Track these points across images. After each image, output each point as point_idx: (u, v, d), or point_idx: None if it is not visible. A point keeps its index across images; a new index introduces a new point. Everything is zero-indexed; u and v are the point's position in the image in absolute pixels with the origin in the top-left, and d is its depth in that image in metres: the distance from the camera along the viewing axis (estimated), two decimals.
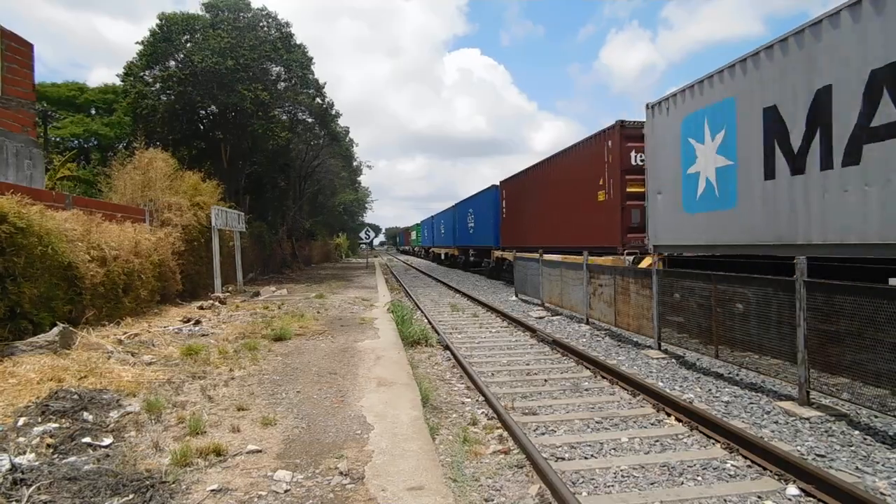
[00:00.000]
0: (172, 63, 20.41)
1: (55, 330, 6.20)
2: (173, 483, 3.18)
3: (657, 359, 7.55)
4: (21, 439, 3.62)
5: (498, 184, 22.35)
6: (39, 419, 4.00)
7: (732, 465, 4.06)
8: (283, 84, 22.68)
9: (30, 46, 10.11)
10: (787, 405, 5.33)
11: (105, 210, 10.28)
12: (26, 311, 6.47)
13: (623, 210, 11.59)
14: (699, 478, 3.88)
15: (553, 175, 15.83)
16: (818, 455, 4.23)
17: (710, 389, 6.09)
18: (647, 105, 9.77)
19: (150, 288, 10.03)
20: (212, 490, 3.12)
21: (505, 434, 4.73)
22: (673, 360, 7.46)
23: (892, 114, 5.28)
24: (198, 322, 9.14)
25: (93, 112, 26.76)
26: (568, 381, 6.64)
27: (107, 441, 3.80)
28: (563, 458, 4.27)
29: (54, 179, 17.58)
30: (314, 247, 40.27)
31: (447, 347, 8.45)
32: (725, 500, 3.54)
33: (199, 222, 13.47)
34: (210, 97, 19.99)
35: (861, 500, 3.27)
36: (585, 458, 4.28)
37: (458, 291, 18.24)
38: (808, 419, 4.96)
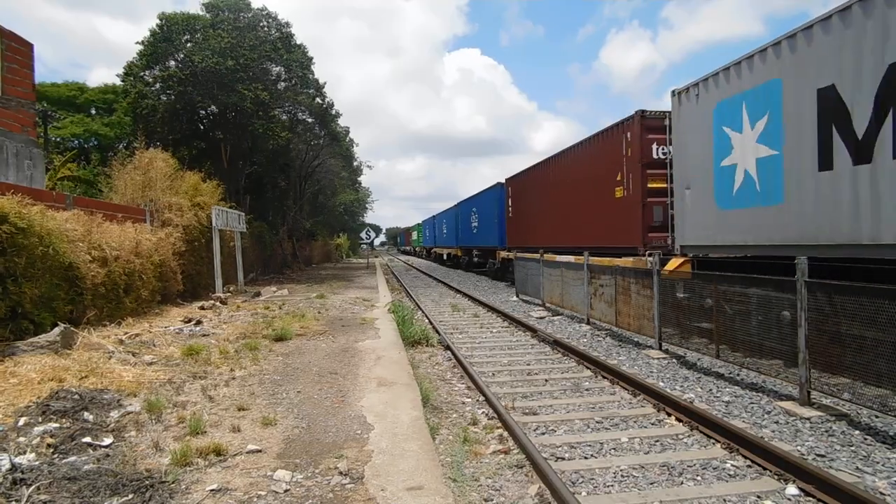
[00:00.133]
0: (172, 63, 20.42)
1: (56, 330, 6.20)
2: (173, 483, 3.18)
3: (658, 359, 7.55)
4: (21, 439, 3.63)
5: (503, 181, 21.62)
6: (40, 419, 4.01)
7: (732, 465, 4.05)
8: (283, 84, 22.69)
9: (30, 46, 10.12)
10: (787, 405, 5.33)
11: (106, 210, 10.29)
12: (27, 311, 6.48)
13: (644, 207, 10.74)
14: (699, 478, 3.88)
15: (564, 171, 14.94)
16: (818, 455, 4.22)
17: (710, 389, 6.09)
18: (673, 91, 8.99)
19: (151, 288, 10.04)
20: (211, 490, 3.12)
21: (505, 434, 4.73)
22: (674, 360, 7.46)
23: None
24: (199, 322, 9.14)
25: (93, 112, 26.80)
26: (568, 381, 6.64)
27: (107, 441, 3.81)
28: (563, 458, 4.27)
29: (54, 179, 17.60)
30: (315, 247, 40.29)
31: (448, 347, 8.45)
32: (725, 500, 3.54)
33: (199, 222, 13.48)
34: (210, 97, 20.00)
35: (861, 500, 3.26)
36: (585, 457, 4.28)
37: (458, 292, 18.25)
38: (808, 419, 4.96)
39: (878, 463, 4.07)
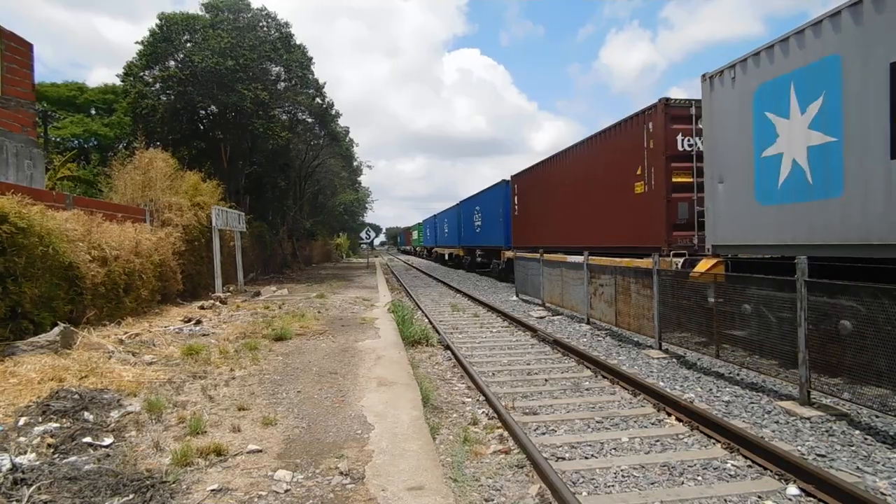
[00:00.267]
0: (172, 63, 20.42)
1: (56, 330, 6.20)
2: (174, 483, 3.18)
3: (658, 358, 7.55)
4: (22, 439, 3.63)
5: (508, 179, 20.80)
6: (40, 419, 4.01)
7: (733, 465, 4.05)
8: (282, 84, 22.70)
9: (29, 46, 10.11)
10: (787, 405, 5.33)
11: (106, 210, 10.29)
12: (27, 310, 6.48)
13: (668, 203, 9.95)
14: (699, 478, 3.88)
15: (576, 166, 14.03)
16: (819, 455, 4.22)
17: (710, 389, 6.09)
18: (704, 76, 8.16)
19: (151, 288, 10.04)
20: (212, 490, 3.12)
21: (505, 434, 4.73)
22: (674, 360, 7.46)
23: None
24: (198, 322, 9.14)
25: (93, 112, 26.79)
26: (568, 380, 6.64)
27: (107, 441, 3.81)
28: (564, 458, 4.27)
29: (54, 179, 17.60)
30: (315, 247, 40.29)
31: (448, 347, 8.45)
32: (725, 500, 3.54)
33: (199, 222, 13.48)
34: (210, 97, 20.00)
35: (861, 500, 3.26)
36: (586, 457, 4.28)
37: (458, 291, 18.25)
38: (808, 419, 4.96)
39: (878, 463, 4.07)
